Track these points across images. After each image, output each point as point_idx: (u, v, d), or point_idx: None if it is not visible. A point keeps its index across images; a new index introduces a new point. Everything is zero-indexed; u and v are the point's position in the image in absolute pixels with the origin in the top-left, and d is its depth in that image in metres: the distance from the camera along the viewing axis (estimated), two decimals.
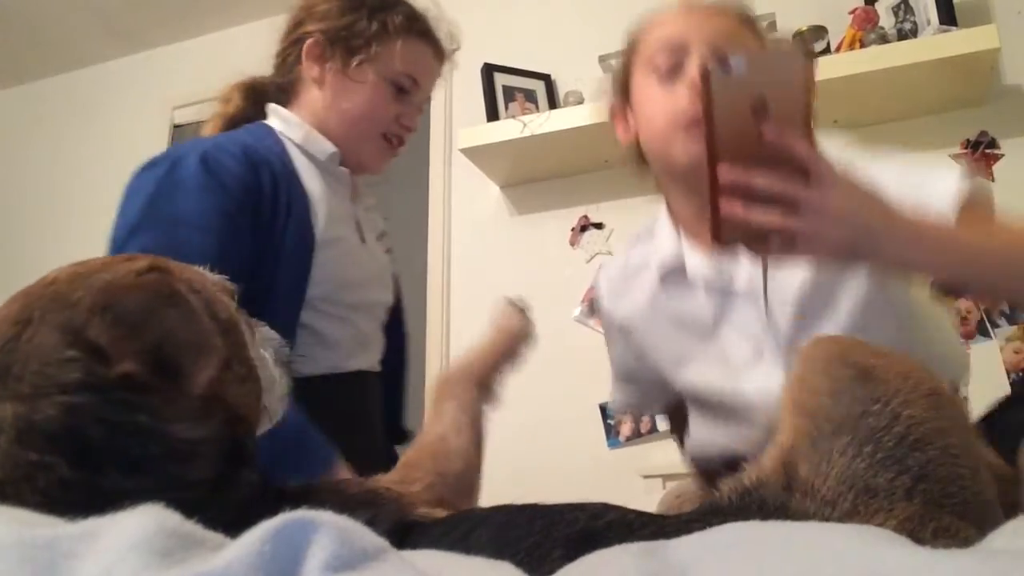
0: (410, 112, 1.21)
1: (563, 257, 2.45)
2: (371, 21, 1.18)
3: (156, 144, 3.14)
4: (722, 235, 0.69)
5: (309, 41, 1.22)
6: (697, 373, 1.00)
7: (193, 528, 0.31)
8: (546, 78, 2.55)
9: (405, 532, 0.52)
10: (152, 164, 1.07)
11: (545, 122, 2.29)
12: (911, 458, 0.49)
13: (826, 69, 2.00)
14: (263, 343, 0.65)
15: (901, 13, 2.11)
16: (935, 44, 1.90)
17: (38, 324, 0.51)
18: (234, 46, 3.17)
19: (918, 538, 0.45)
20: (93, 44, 3.28)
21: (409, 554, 0.38)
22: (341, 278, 1.10)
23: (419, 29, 1.21)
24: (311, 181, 1.12)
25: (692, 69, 0.91)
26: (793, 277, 0.91)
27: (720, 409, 0.99)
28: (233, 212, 0.99)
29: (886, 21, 2.12)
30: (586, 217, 2.46)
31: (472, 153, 2.41)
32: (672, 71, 0.94)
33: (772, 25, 2.22)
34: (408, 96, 1.20)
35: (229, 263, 0.78)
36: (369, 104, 1.17)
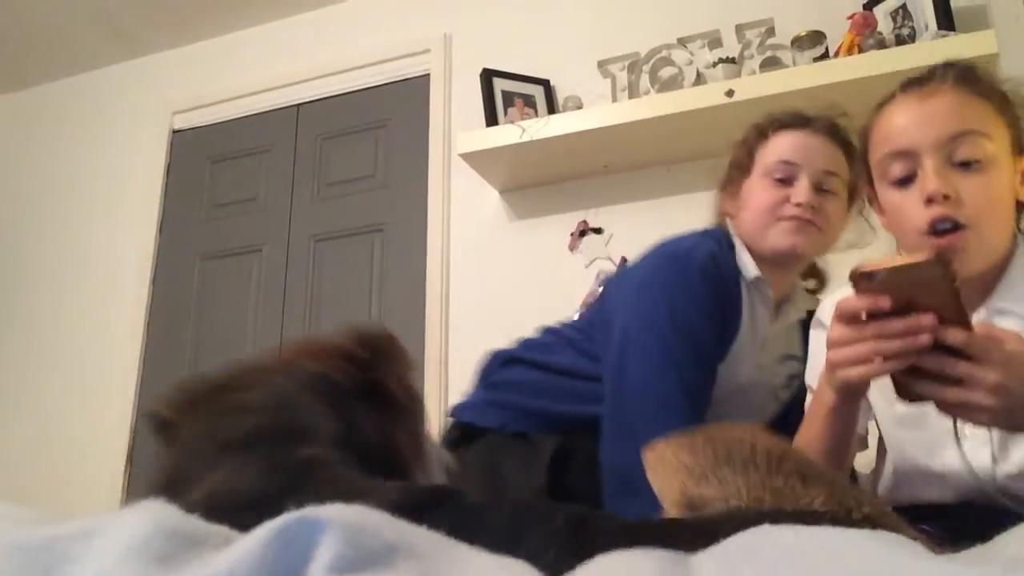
0: (797, 189, 1.29)
1: (562, 262, 2.45)
2: (742, 147, 1.39)
3: (155, 149, 3.15)
4: (902, 396, 0.81)
5: (719, 186, 1.43)
6: (905, 431, 1.05)
7: (195, 526, 0.30)
8: (545, 83, 2.55)
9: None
10: (665, 248, 1.31)
11: (544, 127, 2.29)
12: (785, 465, 0.64)
13: (824, 74, 2.00)
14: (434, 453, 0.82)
15: (899, 18, 2.11)
16: (933, 49, 1.90)
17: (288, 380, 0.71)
18: (234, 51, 3.17)
19: (848, 507, 0.60)
20: (93, 49, 3.28)
21: (422, 540, 0.36)
22: (717, 394, 1.24)
23: (772, 127, 1.36)
24: (743, 297, 1.29)
25: (926, 179, 0.95)
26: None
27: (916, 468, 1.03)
28: (715, 303, 1.24)
29: (884, 26, 2.12)
30: (585, 222, 2.46)
31: (471, 158, 2.41)
32: (905, 179, 0.98)
33: (771, 31, 2.22)
34: (790, 178, 1.31)
35: (712, 341, 1.22)
36: (759, 200, 1.31)
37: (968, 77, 1.00)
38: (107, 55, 3.32)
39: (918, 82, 1.02)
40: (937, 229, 0.94)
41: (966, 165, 0.95)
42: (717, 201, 1.43)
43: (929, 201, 0.95)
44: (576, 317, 2.28)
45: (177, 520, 0.30)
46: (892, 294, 0.77)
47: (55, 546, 0.29)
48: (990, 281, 1.00)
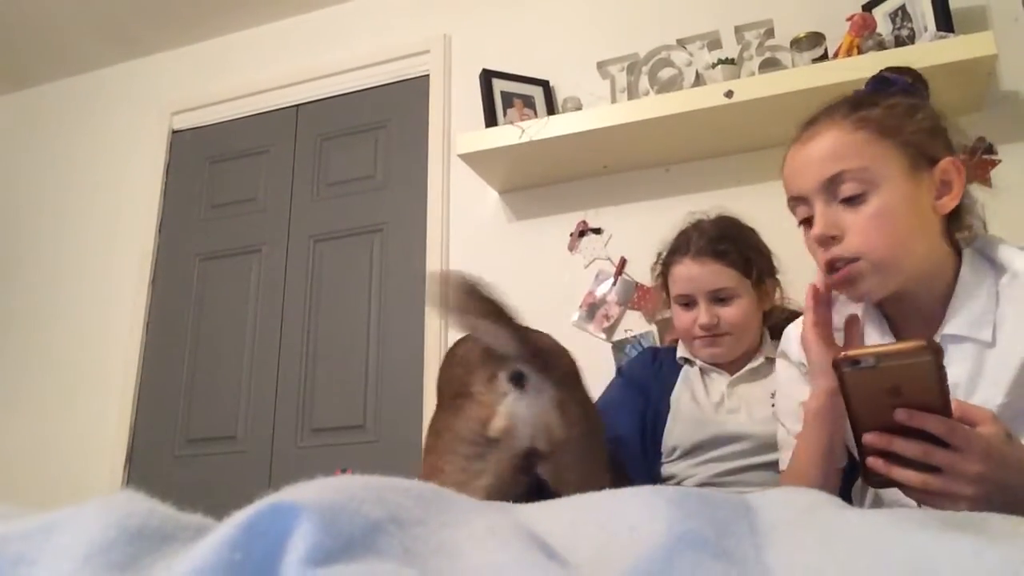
0: (699, 313, 1.52)
1: (562, 262, 2.45)
2: (659, 282, 1.64)
3: (155, 149, 3.15)
4: (870, 481, 0.80)
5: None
6: None
7: (163, 519, 0.27)
8: (544, 84, 2.54)
9: None
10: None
11: (543, 128, 2.29)
12: None
13: (823, 75, 2.00)
14: None
15: (899, 19, 2.11)
16: (932, 50, 1.89)
17: None
18: (233, 52, 3.17)
19: None
20: (92, 49, 3.28)
21: (413, 504, 0.34)
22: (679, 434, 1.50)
23: (671, 257, 1.58)
24: (682, 372, 1.59)
25: (815, 223, 1.02)
26: None
27: None
28: (625, 387, 1.62)
29: (884, 27, 2.11)
30: (584, 222, 2.45)
31: (471, 159, 2.40)
32: (806, 220, 1.05)
33: (770, 32, 2.22)
34: (691, 303, 1.54)
35: (624, 407, 1.56)
36: (678, 324, 1.58)
37: (854, 107, 1.03)
38: (107, 56, 3.32)
39: (809, 123, 1.06)
40: (833, 268, 1.00)
41: (850, 200, 0.99)
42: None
43: (820, 244, 1.01)
44: (576, 317, 2.37)
45: (143, 516, 0.27)
46: (877, 379, 0.76)
47: (7, 548, 0.26)
48: (938, 307, 0.99)
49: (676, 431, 1.49)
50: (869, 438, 0.78)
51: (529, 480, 0.82)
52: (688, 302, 1.54)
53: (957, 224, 1.03)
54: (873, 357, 0.76)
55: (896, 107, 1.02)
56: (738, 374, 1.54)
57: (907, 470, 0.77)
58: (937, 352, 0.75)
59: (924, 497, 0.78)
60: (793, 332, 1.17)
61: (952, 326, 0.97)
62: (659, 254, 1.63)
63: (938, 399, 0.76)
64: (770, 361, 1.54)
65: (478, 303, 0.80)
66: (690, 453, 1.47)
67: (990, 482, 0.75)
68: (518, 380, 0.79)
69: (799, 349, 1.11)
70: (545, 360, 0.81)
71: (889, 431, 0.77)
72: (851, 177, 0.99)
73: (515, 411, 0.78)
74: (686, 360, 1.60)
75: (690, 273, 1.53)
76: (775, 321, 1.62)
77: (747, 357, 1.56)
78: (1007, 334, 0.93)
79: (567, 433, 0.81)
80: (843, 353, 0.77)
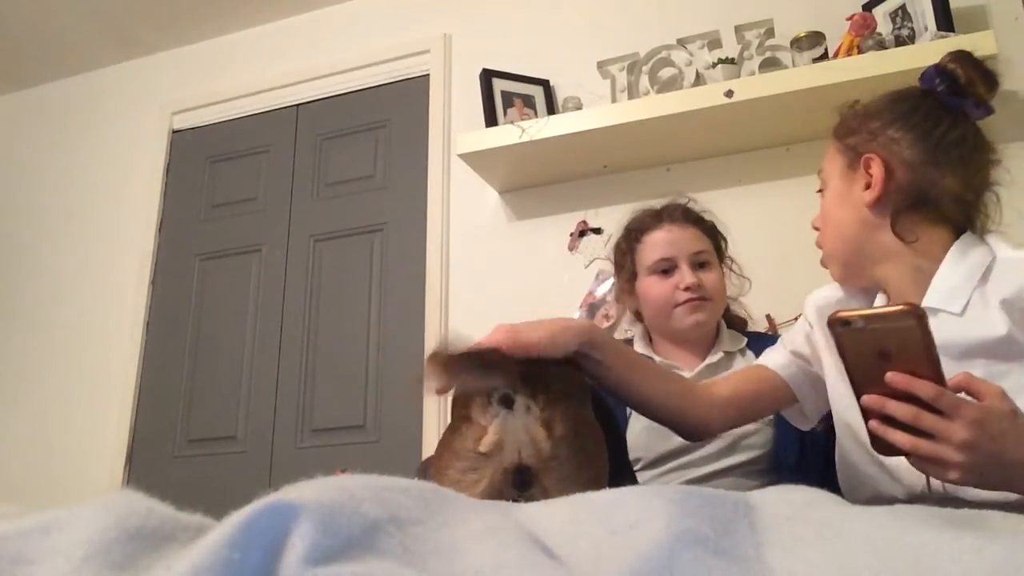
0: (681, 276, 1.50)
1: (561, 262, 2.45)
2: (623, 256, 1.60)
3: (155, 149, 3.15)
4: (878, 450, 0.82)
5: (618, 296, 1.67)
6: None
7: (162, 520, 0.27)
8: (545, 84, 2.54)
9: None
10: None
11: (543, 127, 2.29)
12: None
13: (823, 75, 2.00)
14: None
15: (899, 19, 2.11)
16: (933, 50, 1.89)
17: None
18: (233, 52, 3.17)
19: None
20: (92, 49, 3.28)
21: (412, 503, 0.34)
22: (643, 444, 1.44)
23: (639, 232, 1.56)
24: None
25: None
26: None
27: (866, 455, 1.04)
28: None
29: (884, 27, 2.11)
30: (584, 222, 2.45)
31: (471, 158, 2.40)
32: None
33: (770, 32, 2.22)
34: (671, 268, 1.52)
35: None
36: (654, 295, 1.53)
37: (843, 110, 1.14)
38: (107, 55, 3.32)
39: None
40: None
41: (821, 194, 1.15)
42: (624, 305, 1.66)
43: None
44: (576, 317, 2.38)
45: (142, 516, 0.27)
46: (868, 341, 0.79)
47: (7, 547, 0.26)
48: (921, 291, 1.02)
49: (640, 442, 1.44)
50: (866, 400, 0.80)
51: (520, 495, 0.88)
52: (667, 268, 1.51)
53: (936, 215, 1.06)
54: (861, 319, 0.79)
55: (855, 110, 1.12)
56: (697, 370, 1.50)
57: (901, 432, 0.79)
58: (920, 317, 0.76)
59: (918, 464, 0.80)
60: (811, 297, 1.21)
61: (928, 299, 1.00)
62: (627, 229, 1.62)
63: (927, 365, 0.78)
64: (728, 356, 1.54)
65: (458, 365, 0.92)
66: (654, 464, 1.43)
67: (981, 452, 0.76)
68: (506, 402, 0.88)
69: (816, 311, 1.18)
70: (533, 382, 0.89)
71: (886, 396, 0.79)
72: (820, 177, 1.14)
73: (503, 427, 0.87)
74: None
75: (672, 236, 1.53)
76: (730, 318, 1.64)
77: (704, 352, 1.53)
78: (976, 310, 0.96)
79: (554, 448, 0.87)
80: (837, 313, 0.80)
